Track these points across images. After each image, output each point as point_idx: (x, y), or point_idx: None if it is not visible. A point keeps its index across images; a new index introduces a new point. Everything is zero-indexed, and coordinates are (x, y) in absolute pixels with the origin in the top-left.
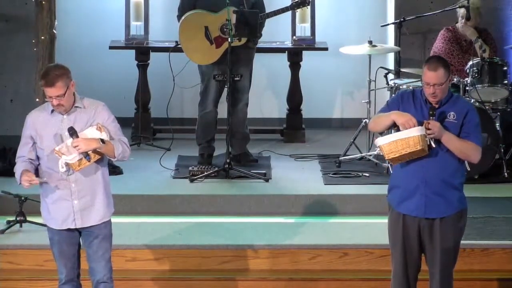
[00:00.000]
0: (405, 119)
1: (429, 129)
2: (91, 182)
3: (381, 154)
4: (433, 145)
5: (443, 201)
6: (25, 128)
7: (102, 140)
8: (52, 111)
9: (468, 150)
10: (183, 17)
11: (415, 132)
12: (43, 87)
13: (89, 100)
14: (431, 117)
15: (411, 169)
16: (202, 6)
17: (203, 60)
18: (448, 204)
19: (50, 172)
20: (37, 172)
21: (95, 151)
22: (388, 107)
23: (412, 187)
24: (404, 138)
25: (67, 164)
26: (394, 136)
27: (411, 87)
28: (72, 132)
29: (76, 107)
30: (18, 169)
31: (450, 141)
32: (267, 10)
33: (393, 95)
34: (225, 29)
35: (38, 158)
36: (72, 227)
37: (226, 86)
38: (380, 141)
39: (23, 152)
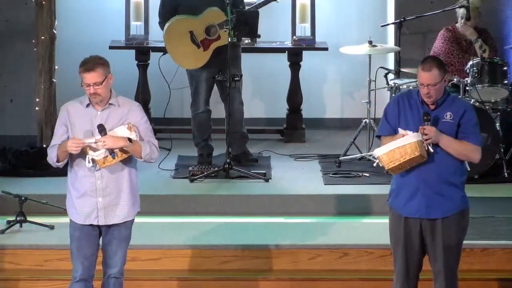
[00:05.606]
0: None
1: (425, 134)
2: (116, 181)
3: (381, 165)
4: (431, 150)
5: (444, 200)
6: (59, 118)
7: (130, 140)
8: (88, 105)
9: (467, 152)
10: (166, 26)
11: (412, 138)
12: (82, 74)
13: (124, 99)
14: (425, 122)
15: (410, 171)
16: (184, 10)
17: (193, 65)
18: (450, 203)
19: (78, 167)
20: (66, 166)
21: (121, 150)
22: (387, 120)
23: (413, 189)
24: (401, 145)
25: (93, 160)
26: (391, 145)
27: (411, 87)
28: (101, 129)
29: (111, 104)
30: (53, 150)
31: (449, 144)
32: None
33: (393, 94)
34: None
35: None
36: (95, 223)
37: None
38: (378, 151)
39: (57, 141)
